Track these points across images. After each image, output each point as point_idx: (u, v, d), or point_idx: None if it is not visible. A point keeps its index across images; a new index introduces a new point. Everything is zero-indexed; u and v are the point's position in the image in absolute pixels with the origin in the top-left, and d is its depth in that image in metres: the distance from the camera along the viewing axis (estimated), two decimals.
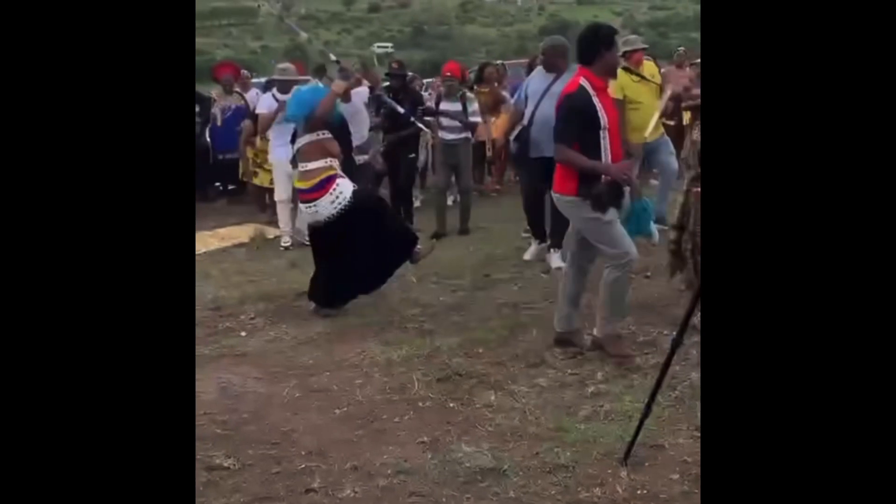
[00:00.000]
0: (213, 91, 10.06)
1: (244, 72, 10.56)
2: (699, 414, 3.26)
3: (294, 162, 5.26)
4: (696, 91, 9.93)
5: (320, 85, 5.22)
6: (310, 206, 5.03)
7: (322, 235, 5.07)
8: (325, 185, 4.98)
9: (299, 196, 5.17)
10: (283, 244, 7.34)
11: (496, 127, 8.49)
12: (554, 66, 5.90)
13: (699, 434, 3.13)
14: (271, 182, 7.95)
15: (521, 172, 6.59)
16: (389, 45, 75.76)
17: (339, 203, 4.96)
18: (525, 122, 6.05)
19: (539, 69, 6.20)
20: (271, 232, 7.81)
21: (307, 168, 5.01)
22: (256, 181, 8.74)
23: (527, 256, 6.35)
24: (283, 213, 7.35)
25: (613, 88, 6.28)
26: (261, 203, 8.85)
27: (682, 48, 11.24)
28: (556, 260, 5.99)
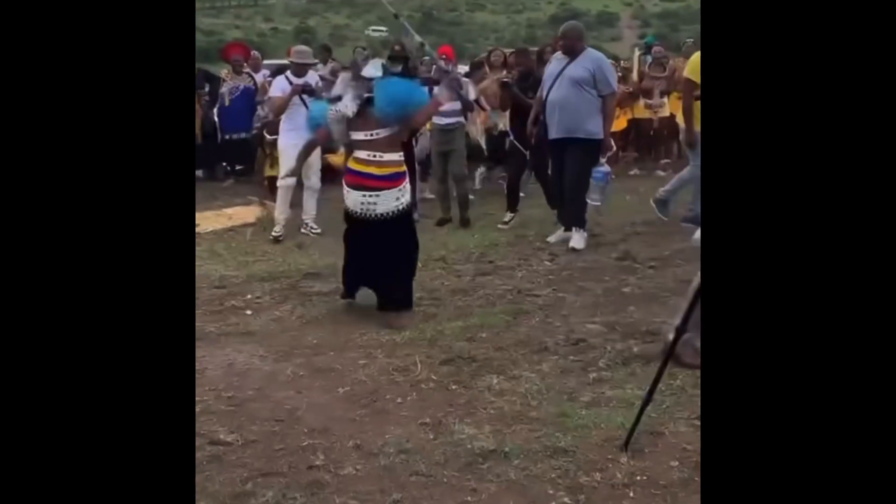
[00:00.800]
0: (223, 71, 10.07)
1: (254, 52, 10.55)
2: (700, 403, 3.29)
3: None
4: None
5: (406, 79, 4.91)
6: (369, 195, 4.55)
7: (365, 230, 4.65)
8: (399, 178, 4.62)
9: (360, 180, 4.56)
10: (274, 233, 6.94)
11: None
12: (573, 49, 6.03)
13: (699, 422, 3.16)
14: None
15: (550, 157, 6.67)
16: (384, 27, 76.02)
17: (400, 204, 4.62)
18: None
19: (558, 53, 6.29)
20: None
21: (382, 158, 4.54)
22: (275, 172, 8.24)
23: (552, 239, 6.45)
24: (283, 199, 6.98)
25: (689, 69, 6.33)
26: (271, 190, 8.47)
27: (690, 39, 11.23)
28: (578, 240, 6.15)
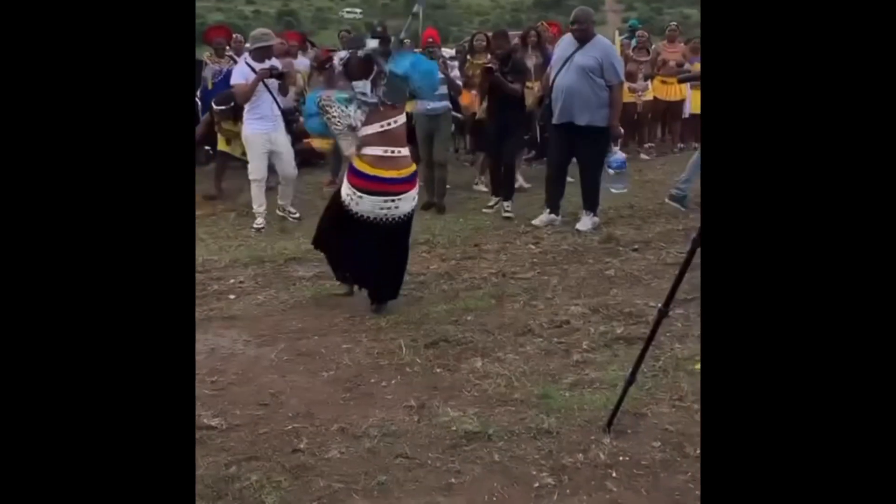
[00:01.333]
0: (205, 54, 9.96)
1: (237, 35, 10.44)
2: (681, 384, 3.33)
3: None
4: (688, 66, 10.01)
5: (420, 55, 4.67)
6: (390, 199, 4.16)
7: (374, 232, 4.24)
8: (416, 177, 4.27)
9: (382, 186, 4.13)
10: (255, 225, 6.72)
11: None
12: (585, 34, 6.14)
13: (681, 403, 3.19)
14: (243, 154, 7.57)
15: (549, 140, 6.70)
16: (358, 10, 76.53)
17: (414, 204, 4.30)
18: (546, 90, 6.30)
19: (568, 37, 6.30)
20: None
21: (401, 153, 4.16)
22: (228, 149, 7.90)
23: (536, 222, 6.47)
24: (258, 192, 6.72)
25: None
26: (219, 178, 8.08)
27: (674, 23, 11.25)
28: (586, 222, 6.22)
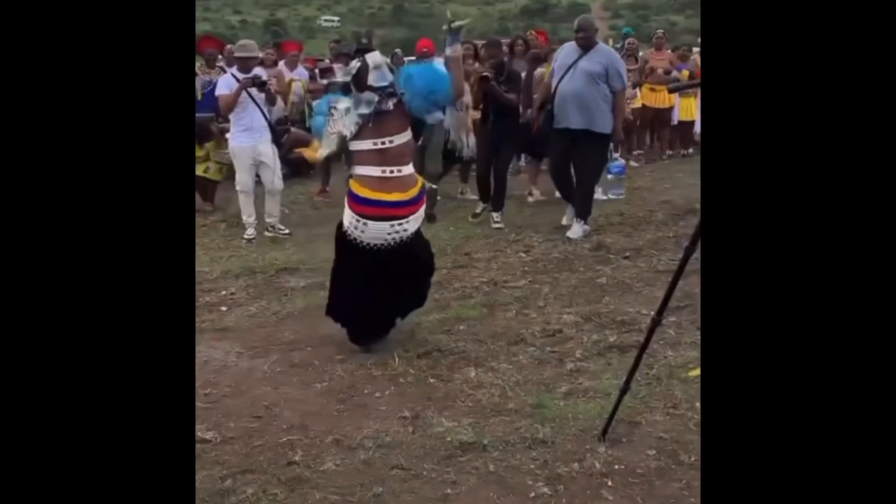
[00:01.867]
0: (196, 65, 9.92)
1: (229, 46, 10.41)
2: (675, 392, 3.34)
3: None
4: (675, 73, 10.06)
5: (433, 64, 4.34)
6: (398, 223, 3.85)
7: (386, 257, 3.90)
8: (423, 194, 3.98)
9: (388, 211, 3.80)
10: (246, 236, 6.69)
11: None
12: (589, 42, 6.21)
13: (675, 411, 3.20)
14: (206, 171, 7.77)
15: (549, 144, 6.73)
16: (336, 18, 77.59)
17: (421, 218, 4.00)
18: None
19: (570, 44, 6.40)
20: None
21: (403, 173, 3.81)
22: (204, 172, 7.93)
23: (565, 221, 6.60)
24: (246, 203, 6.69)
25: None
26: (204, 193, 8.06)
27: (660, 31, 11.31)
28: (577, 230, 6.26)
